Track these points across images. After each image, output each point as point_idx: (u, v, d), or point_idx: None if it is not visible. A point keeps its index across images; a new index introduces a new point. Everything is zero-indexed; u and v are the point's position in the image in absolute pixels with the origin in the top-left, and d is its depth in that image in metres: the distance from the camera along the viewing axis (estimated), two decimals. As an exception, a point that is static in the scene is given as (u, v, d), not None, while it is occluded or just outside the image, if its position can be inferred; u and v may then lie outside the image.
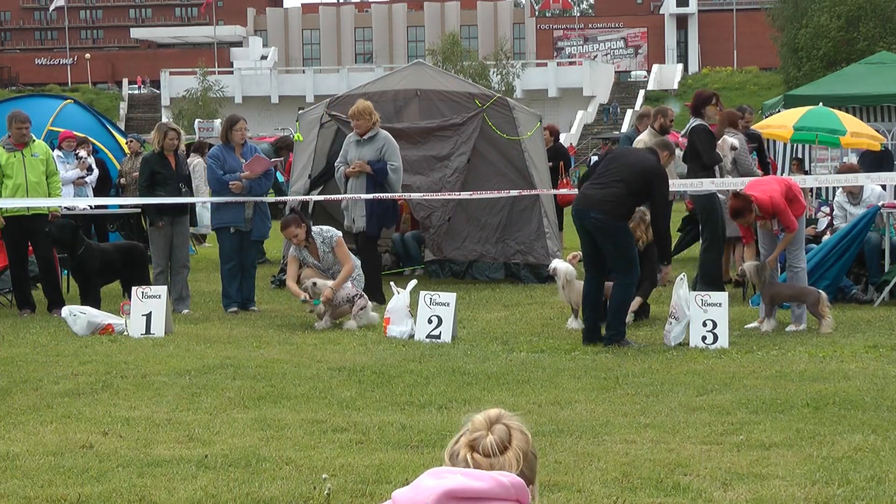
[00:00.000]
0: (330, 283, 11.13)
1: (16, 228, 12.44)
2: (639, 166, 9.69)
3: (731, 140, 12.98)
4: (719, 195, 12.44)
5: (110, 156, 18.25)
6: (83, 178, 16.79)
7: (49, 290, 12.66)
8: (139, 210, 14.78)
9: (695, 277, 12.24)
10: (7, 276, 12.96)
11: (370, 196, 12.69)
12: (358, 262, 11.64)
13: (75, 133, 17.45)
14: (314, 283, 11.06)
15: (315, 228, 11.53)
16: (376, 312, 11.43)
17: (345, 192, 12.81)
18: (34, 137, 12.59)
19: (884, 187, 14.32)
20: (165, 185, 12.50)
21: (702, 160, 12.17)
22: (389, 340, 10.31)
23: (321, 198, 12.31)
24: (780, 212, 10.40)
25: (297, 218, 11.48)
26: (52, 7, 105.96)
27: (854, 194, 13.37)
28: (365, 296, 11.30)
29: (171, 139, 12.62)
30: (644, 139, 13.65)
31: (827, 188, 17.17)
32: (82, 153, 16.91)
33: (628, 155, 10.19)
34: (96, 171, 17.23)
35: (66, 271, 13.98)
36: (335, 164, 13.05)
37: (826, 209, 14.68)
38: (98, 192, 16.99)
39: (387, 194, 12.57)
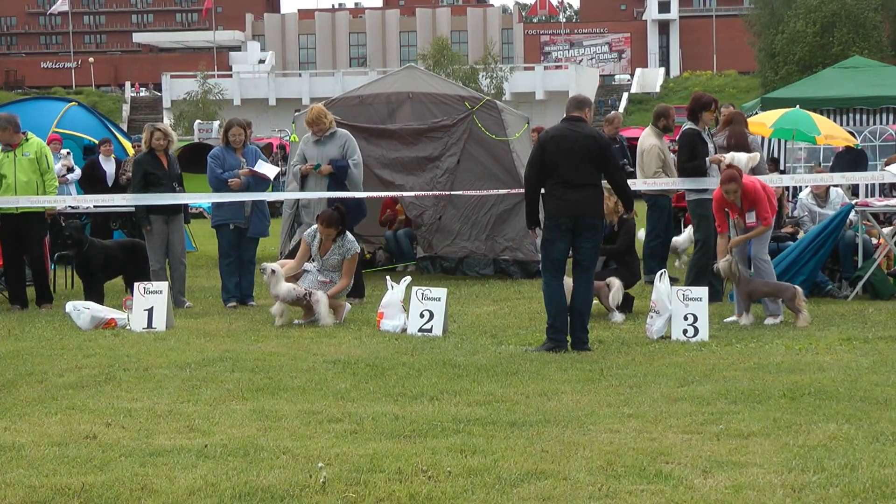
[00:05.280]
0: (292, 286, 11.21)
1: (9, 226, 12.60)
2: (597, 159, 9.42)
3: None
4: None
5: (113, 156, 18.42)
6: (64, 175, 17.17)
7: (38, 287, 12.80)
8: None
9: (686, 279, 12.03)
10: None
11: (364, 195, 12.90)
12: (350, 284, 11.65)
13: (60, 136, 17.80)
14: (273, 271, 11.12)
15: None
16: (349, 303, 11.63)
17: (301, 191, 12.95)
18: (28, 137, 12.69)
19: (856, 192, 14.53)
20: (159, 185, 12.67)
21: (681, 164, 12.04)
22: (383, 334, 10.43)
23: (319, 195, 12.47)
24: (759, 200, 10.68)
25: (339, 220, 11.42)
26: (53, 9, 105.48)
27: (821, 196, 13.56)
28: (317, 292, 11.20)
29: (157, 139, 12.76)
30: (655, 142, 13.69)
31: (801, 188, 17.39)
32: (63, 152, 17.36)
33: (585, 152, 9.44)
34: (78, 171, 17.56)
35: (54, 266, 14.11)
36: (291, 164, 13.17)
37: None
38: (114, 190, 17.30)
39: (353, 193, 12.69)
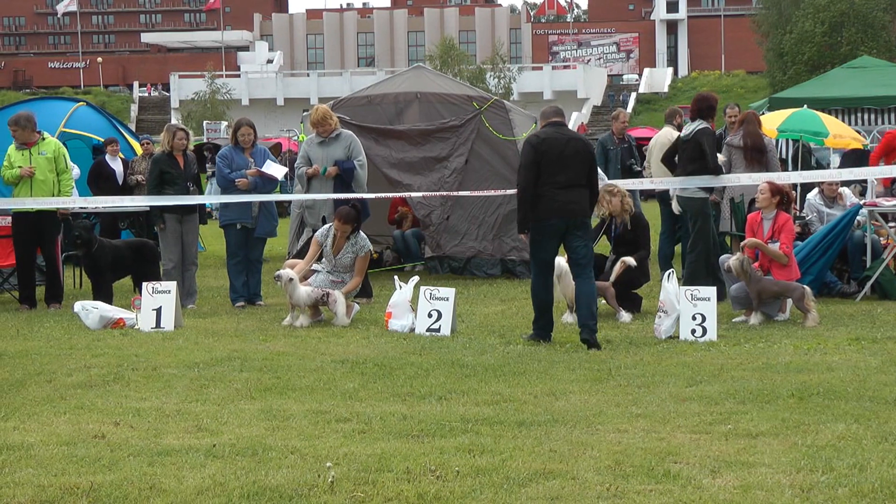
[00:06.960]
0: (310, 289, 11.20)
1: (24, 225, 12.64)
2: (587, 161, 9.73)
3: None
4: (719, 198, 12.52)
5: (120, 155, 18.47)
6: None
7: (50, 286, 12.85)
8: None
9: (682, 276, 11.91)
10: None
11: (371, 195, 12.90)
12: (361, 282, 11.67)
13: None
14: (290, 279, 11.09)
15: None
16: (357, 303, 11.63)
17: (306, 192, 12.96)
18: (45, 136, 12.75)
19: (863, 193, 14.50)
20: (174, 185, 12.71)
21: (706, 162, 11.64)
22: (391, 334, 10.46)
23: (325, 196, 12.53)
24: (787, 231, 10.92)
25: (356, 217, 11.48)
26: (60, 11, 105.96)
27: (829, 196, 13.56)
28: (334, 292, 11.22)
29: (181, 139, 12.86)
30: (670, 137, 13.69)
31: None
32: None
33: (575, 154, 9.71)
34: (77, 171, 17.60)
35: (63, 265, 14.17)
36: (296, 166, 13.21)
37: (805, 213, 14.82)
38: (122, 191, 17.33)
39: (362, 194, 12.68)
